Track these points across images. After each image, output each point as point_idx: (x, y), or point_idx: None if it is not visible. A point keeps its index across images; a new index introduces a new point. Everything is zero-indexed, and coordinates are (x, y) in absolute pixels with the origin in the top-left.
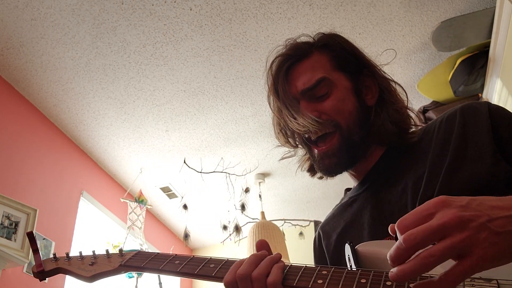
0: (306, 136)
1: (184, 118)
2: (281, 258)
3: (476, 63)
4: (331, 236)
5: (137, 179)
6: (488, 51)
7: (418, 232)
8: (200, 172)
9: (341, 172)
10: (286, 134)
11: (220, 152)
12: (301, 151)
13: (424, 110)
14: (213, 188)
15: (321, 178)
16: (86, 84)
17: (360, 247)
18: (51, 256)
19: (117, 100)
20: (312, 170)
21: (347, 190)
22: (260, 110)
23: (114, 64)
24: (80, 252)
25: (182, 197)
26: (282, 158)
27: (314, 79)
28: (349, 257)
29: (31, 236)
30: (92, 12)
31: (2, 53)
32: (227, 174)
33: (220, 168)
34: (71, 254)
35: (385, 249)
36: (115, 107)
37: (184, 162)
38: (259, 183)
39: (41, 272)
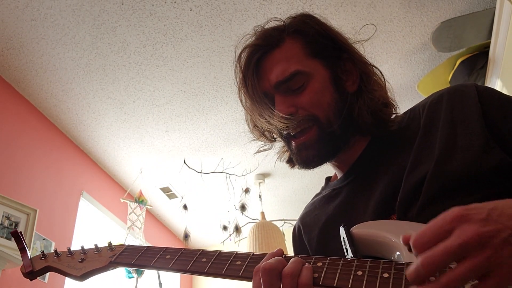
0: (285, 133)
1: (184, 119)
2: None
3: (476, 64)
4: (313, 230)
5: (137, 179)
6: (488, 51)
7: (436, 255)
8: (200, 173)
9: (319, 165)
10: (262, 129)
11: (220, 153)
12: (277, 144)
13: None
14: (213, 189)
15: (301, 168)
16: (86, 84)
17: (355, 229)
18: (40, 252)
19: (117, 101)
20: (291, 161)
21: (328, 179)
22: None
23: (114, 65)
24: (69, 248)
25: (182, 198)
26: (258, 152)
27: (288, 72)
28: (344, 240)
29: (16, 235)
30: (92, 12)
31: (2, 53)
32: (227, 175)
33: (220, 169)
34: (59, 250)
35: (382, 231)
36: (115, 107)
37: (184, 162)
38: (259, 183)
39: (31, 272)
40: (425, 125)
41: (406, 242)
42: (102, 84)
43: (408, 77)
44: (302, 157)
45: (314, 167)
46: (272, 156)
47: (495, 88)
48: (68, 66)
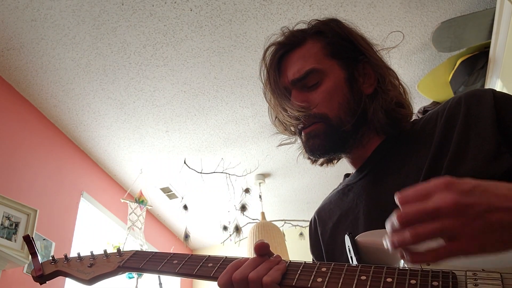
0: (300, 127)
1: (184, 119)
2: (280, 260)
3: (476, 64)
4: (327, 224)
5: (137, 179)
6: (488, 51)
7: (410, 211)
8: (200, 173)
9: (325, 154)
10: (283, 122)
11: (220, 153)
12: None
13: (424, 111)
14: (213, 189)
15: (322, 165)
16: (86, 84)
17: (360, 237)
18: (51, 257)
19: (117, 101)
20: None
21: (347, 175)
22: (260, 111)
23: (114, 65)
24: (79, 253)
25: (182, 198)
26: (280, 145)
27: (304, 70)
28: (349, 248)
29: (28, 240)
30: (92, 13)
31: (3, 54)
32: (227, 175)
33: (220, 169)
34: (69, 256)
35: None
36: (115, 107)
37: (184, 162)
38: (259, 183)
39: (41, 276)
40: (443, 130)
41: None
42: (102, 84)
43: (408, 77)
44: (309, 145)
45: (319, 156)
46: (273, 156)
47: (495, 88)
48: (68, 67)
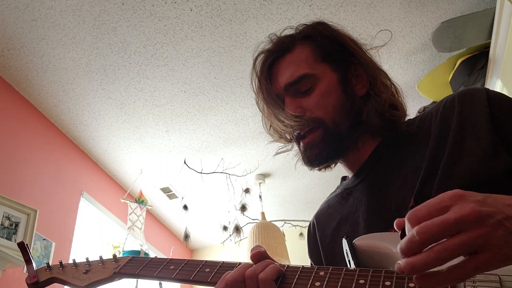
0: (296, 134)
1: (184, 119)
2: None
3: (476, 64)
4: (326, 229)
5: (137, 179)
6: (488, 51)
7: (434, 224)
8: (200, 173)
9: (323, 163)
10: (278, 130)
11: (220, 153)
12: (296, 146)
13: (424, 111)
14: (213, 189)
15: (320, 169)
16: (86, 84)
17: (357, 241)
18: (46, 264)
19: (117, 101)
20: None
21: (343, 178)
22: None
23: (114, 65)
24: (74, 260)
25: (182, 198)
26: (277, 153)
27: (296, 75)
28: (346, 252)
29: (22, 247)
30: (93, 12)
31: (3, 53)
32: (227, 175)
33: (220, 169)
34: (64, 262)
35: (383, 242)
36: (116, 107)
37: (184, 162)
38: (259, 183)
39: (35, 283)
40: (439, 130)
41: (399, 225)
42: (102, 84)
43: (408, 77)
44: (307, 156)
45: (318, 165)
46: (272, 156)
47: (495, 88)
48: (69, 67)
